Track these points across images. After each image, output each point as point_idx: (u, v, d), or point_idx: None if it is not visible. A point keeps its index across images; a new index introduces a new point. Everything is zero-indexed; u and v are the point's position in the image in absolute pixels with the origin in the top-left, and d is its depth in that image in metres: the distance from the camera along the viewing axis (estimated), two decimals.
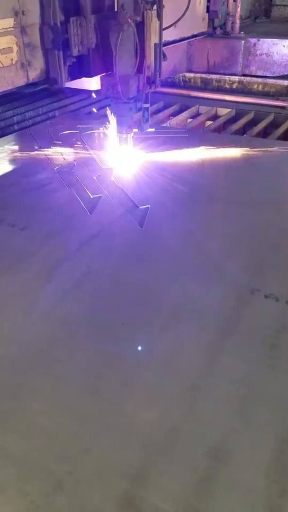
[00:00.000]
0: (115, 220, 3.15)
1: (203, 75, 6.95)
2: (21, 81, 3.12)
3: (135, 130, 3.60)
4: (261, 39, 6.50)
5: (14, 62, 3.03)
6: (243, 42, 6.58)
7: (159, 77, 3.47)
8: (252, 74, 6.64)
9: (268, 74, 6.53)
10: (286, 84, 6.49)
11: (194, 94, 6.59)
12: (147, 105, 3.49)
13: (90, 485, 1.67)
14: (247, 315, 2.38)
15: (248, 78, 6.70)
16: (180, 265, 2.73)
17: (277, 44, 6.44)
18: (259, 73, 6.60)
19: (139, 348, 2.22)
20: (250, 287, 2.54)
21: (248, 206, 3.32)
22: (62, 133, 4.43)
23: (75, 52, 3.17)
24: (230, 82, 6.82)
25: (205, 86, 6.96)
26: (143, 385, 2.04)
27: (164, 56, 3.49)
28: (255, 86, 6.69)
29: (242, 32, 6.84)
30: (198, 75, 6.96)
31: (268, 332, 2.28)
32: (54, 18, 3.06)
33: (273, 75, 6.52)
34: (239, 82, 6.77)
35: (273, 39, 6.45)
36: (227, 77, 6.80)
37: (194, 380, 2.05)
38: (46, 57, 3.14)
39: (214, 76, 6.89)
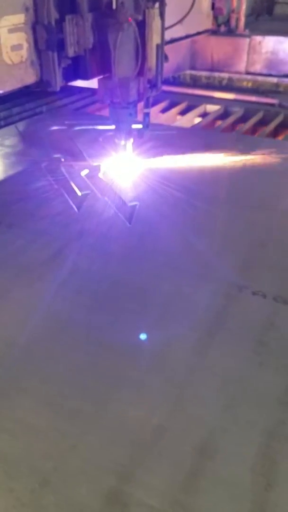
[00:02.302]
0: (105, 218, 3.01)
1: (193, 72, 6.61)
2: (30, 79, 2.83)
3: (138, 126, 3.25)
4: (266, 37, 6.12)
5: (24, 60, 2.74)
6: (248, 40, 6.20)
7: (161, 80, 3.11)
8: (257, 72, 6.28)
9: (273, 73, 6.17)
10: (275, 81, 6.16)
11: (184, 90, 6.26)
12: (148, 110, 3.13)
13: (77, 482, 1.63)
14: (235, 312, 2.35)
15: (237, 75, 6.36)
16: (169, 263, 2.67)
17: (282, 42, 6.06)
18: (264, 72, 6.25)
19: (127, 345, 2.17)
20: (238, 284, 2.50)
21: (237, 205, 3.25)
22: (50, 129, 4.23)
23: (70, 52, 2.81)
24: (220, 79, 6.47)
25: (195, 83, 6.61)
26: (130, 382, 1.99)
27: (166, 57, 3.12)
28: (245, 84, 6.37)
29: (247, 30, 6.45)
30: (188, 71, 6.61)
31: (256, 328, 2.25)
32: (48, 16, 2.69)
33: (278, 74, 6.14)
34: (229, 79, 6.44)
35: (279, 37, 6.07)
36: (216, 74, 6.47)
37: (182, 377, 2.02)
38: (39, 58, 2.78)
39: (203, 73, 6.58)
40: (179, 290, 2.48)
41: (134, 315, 2.33)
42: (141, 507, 1.56)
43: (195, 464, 1.68)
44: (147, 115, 3.14)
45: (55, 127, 4.25)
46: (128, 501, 1.58)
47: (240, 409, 1.88)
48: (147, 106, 3.11)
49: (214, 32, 6.40)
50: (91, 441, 1.76)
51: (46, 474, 1.65)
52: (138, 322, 2.29)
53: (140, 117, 3.22)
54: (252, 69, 6.30)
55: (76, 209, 3.03)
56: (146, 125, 3.14)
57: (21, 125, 4.52)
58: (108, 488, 1.61)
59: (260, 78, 6.28)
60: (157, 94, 3.11)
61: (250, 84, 6.35)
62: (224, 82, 6.48)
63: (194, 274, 2.59)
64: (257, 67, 6.29)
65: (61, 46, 2.76)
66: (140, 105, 3.15)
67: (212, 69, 6.53)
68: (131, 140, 3.18)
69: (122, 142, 3.15)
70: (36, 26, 2.70)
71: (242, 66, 6.36)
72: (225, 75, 6.44)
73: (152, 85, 3.08)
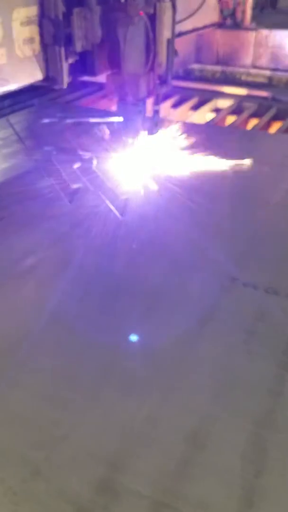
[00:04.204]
0: (97, 211, 2.90)
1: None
2: (42, 74, 2.69)
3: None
4: (273, 31, 5.90)
5: (36, 53, 2.61)
6: (254, 33, 5.98)
7: (171, 75, 2.93)
8: (263, 67, 6.07)
9: (279, 67, 5.96)
10: (268, 74, 5.96)
11: (176, 83, 5.97)
12: (158, 107, 2.95)
13: (68, 471, 1.61)
14: (226, 303, 2.32)
15: (230, 68, 6.17)
16: (163, 255, 2.62)
17: None
18: (270, 66, 6.03)
19: (119, 336, 2.12)
20: (230, 276, 2.47)
21: (230, 199, 3.17)
22: (42, 121, 4.10)
23: (78, 47, 2.63)
24: (213, 72, 6.26)
25: (187, 75, 6.38)
26: (121, 372, 1.96)
27: (176, 52, 2.94)
28: (238, 76, 6.16)
29: (253, 23, 6.22)
30: None
31: (246, 319, 2.22)
32: (55, 9, 2.51)
33: (284, 69, 5.93)
34: (222, 72, 6.23)
35: (286, 31, 5.84)
36: (209, 67, 6.26)
37: (173, 367, 1.99)
38: (45, 53, 2.60)
39: (196, 66, 6.37)
40: (171, 281, 2.44)
41: (125, 305, 2.29)
42: (132, 495, 1.54)
43: (185, 452, 1.67)
44: (156, 112, 2.96)
45: (47, 120, 4.10)
46: (119, 489, 1.55)
47: (230, 398, 1.86)
48: (157, 103, 2.93)
49: (220, 25, 6.18)
50: (82, 431, 1.73)
51: (37, 464, 1.62)
52: (129, 312, 2.25)
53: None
54: (258, 63, 6.08)
55: (68, 202, 2.95)
56: (156, 122, 2.96)
57: (12, 118, 4.35)
58: (99, 476, 1.59)
59: (253, 71, 6.10)
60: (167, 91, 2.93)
61: (243, 77, 6.16)
62: (217, 75, 6.28)
63: (187, 266, 2.55)
64: (263, 61, 6.08)
65: (68, 40, 2.59)
66: None
67: (217, 62, 6.31)
68: (140, 138, 3.00)
69: (130, 140, 2.96)
70: (42, 20, 2.52)
71: (248, 60, 6.15)
72: (218, 68, 6.24)
73: (162, 81, 2.90)
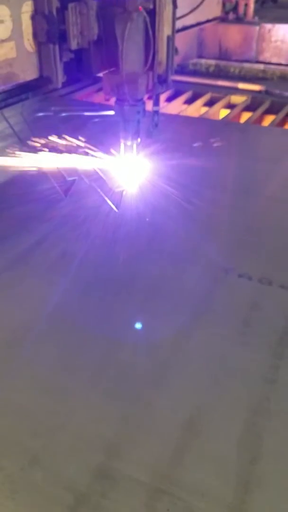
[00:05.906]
0: (93, 205, 2.87)
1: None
2: None
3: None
4: (276, 25, 5.70)
5: None
6: (257, 27, 5.77)
7: (171, 74, 2.73)
8: (266, 61, 5.88)
9: (282, 62, 5.78)
10: (262, 68, 5.80)
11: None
12: (157, 108, 2.76)
13: (66, 459, 1.61)
14: (221, 294, 2.32)
15: (224, 62, 6.00)
16: (157, 247, 2.62)
17: None
18: (274, 60, 5.86)
19: (115, 328, 2.13)
20: (225, 267, 2.46)
21: (224, 191, 3.17)
22: (36, 115, 4.02)
23: (74, 45, 2.44)
24: (207, 66, 6.07)
25: (182, 69, 6.19)
26: (117, 362, 1.96)
27: (176, 50, 2.74)
28: (232, 70, 5.99)
29: (256, 17, 6.02)
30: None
31: (241, 309, 2.22)
32: (49, 5, 2.32)
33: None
34: (216, 65, 6.06)
35: None
36: (203, 61, 6.09)
37: (169, 357, 1.99)
38: (39, 52, 2.41)
39: (191, 60, 6.24)
40: (166, 273, 2.43)
41: (121, 297, 2.29)
42: (130, 482, 1.55)
43: (182, 440, 1.67)
44: (156, 113, 2.77)
45: (41, 113, 3.96)
46: (117, 476, 1.56)
47: (226, 387, 1.87)
48: (156, 103, 2.75)
49: (222, 19, 5.98)
50: (80, 419, 1.74)
51: (35, 452, 1.62)
52: (124, 303, 2.25)
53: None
54: (261, 58, 5.90)
55: (63, 195, 2.87)
56: (155, 124, 2.78)
57: (6, 111, 4.20)
58: (97, 464, 1.59)
59: (246, 65, 5.97)
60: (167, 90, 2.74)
61: (237, 71, 5.98)
62: (211, 68, 6.09)
63: (181, 258, 2.54)
64: (267, 56, 5.88)
65: (63, 38, 2.40)
66: None
67: (220, 57, 6.12)
68: (139, 140, 2.81)
69: (129, 143, 2.78)
70: (35, 16, 2.33)
71: (251, 55, 5.96)
72: (212, 61, 6.06)
73: (162, 80, 2.70)
